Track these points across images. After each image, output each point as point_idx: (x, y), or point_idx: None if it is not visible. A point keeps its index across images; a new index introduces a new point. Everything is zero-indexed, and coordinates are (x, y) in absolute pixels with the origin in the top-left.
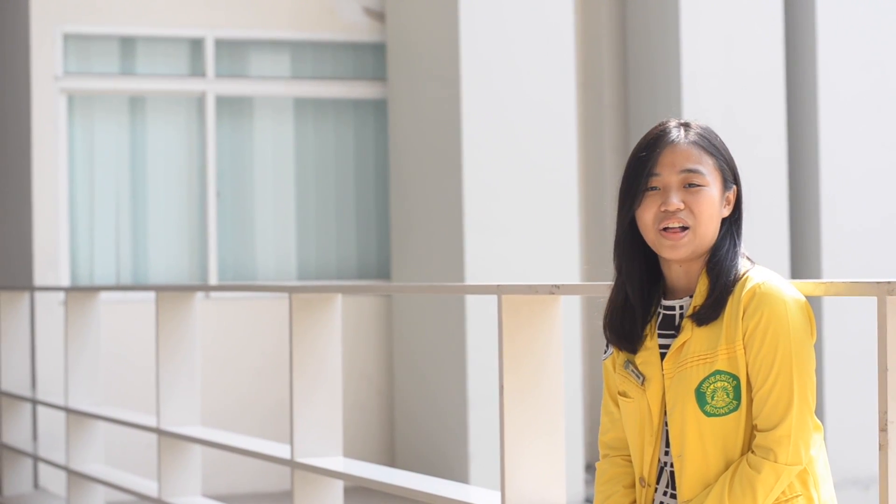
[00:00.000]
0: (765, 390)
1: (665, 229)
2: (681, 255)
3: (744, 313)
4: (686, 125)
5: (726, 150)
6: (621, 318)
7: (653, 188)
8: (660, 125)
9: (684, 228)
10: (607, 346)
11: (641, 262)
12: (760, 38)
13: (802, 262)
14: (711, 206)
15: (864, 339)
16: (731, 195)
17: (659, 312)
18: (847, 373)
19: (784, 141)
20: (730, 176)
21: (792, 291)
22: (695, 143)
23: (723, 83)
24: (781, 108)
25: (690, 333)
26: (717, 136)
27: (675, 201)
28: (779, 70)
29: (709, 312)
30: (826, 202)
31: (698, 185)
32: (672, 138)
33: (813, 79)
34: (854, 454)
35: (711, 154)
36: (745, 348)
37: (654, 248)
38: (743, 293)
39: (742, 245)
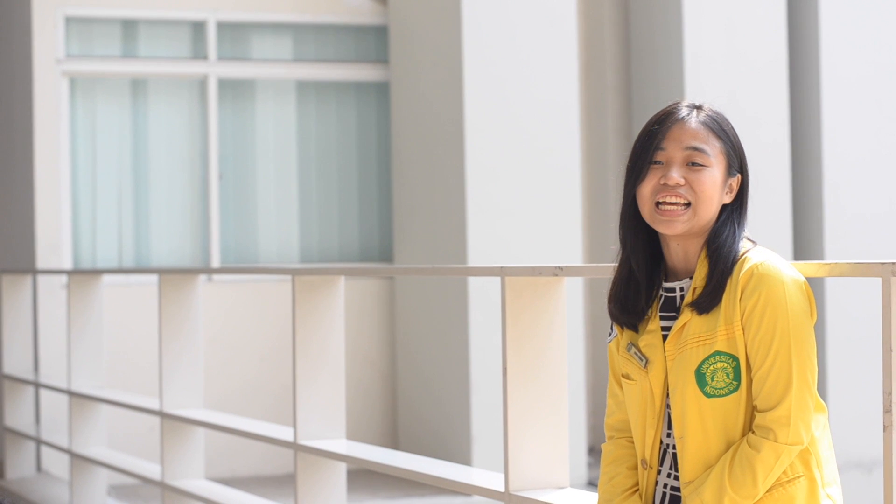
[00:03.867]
0: (763, 370)
1: (659, 204)
2: (677, 230)
3: (742, 294)
4: (699, 107)
5: (736, 137)
6: (625, 292)
7: (657, 162)
8: (673, 104)
9: (687, 205)
10: (611, 328)
11: (645, 239)
12: (763, 21)
13: (805, 245)
14: (712, 187)
15: (867, 322)
16: (735, 183)
17: (661, 295)
18: (850, 356)
19: (787, 124)
20: (735, 163)
21: (790, 271)
22: (704, 123)
23: (725, 66)
24: (784, 90)
25: (690, 315)
26: (728, 122)
27: (676, 176)
28: (781, 53)
29: (707, 301)
30: (829, 186)
31: (701, 165)
32: (682, 115)
33: (816, 62)
34: (857, 437)
35: (719, 137)
36: (743, 329)
37: (650, 223)
38: (741, 274)
39: (744, 233)
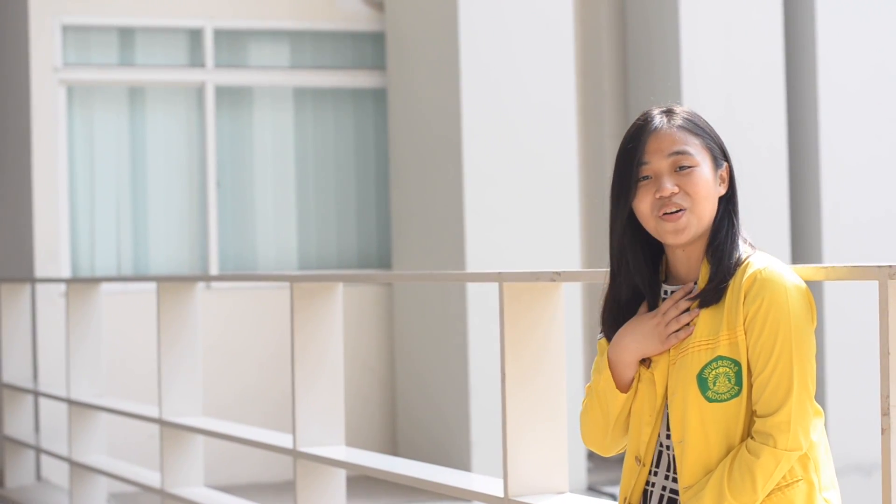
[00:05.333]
0: (764, 376)
1: (664, 214)
2: (683, 238)
3: (744, 298)
4: (669, 111)
5: (712, 129)
6: (626, 316)
7: (645, 178)
8: (643, 115)
9: (682, 210)
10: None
11: (646, 252)
12: (760, 27)
13: (803, 250)
14: (706, 186)
15: (865, 325)
16: (724, 173)
17: (663, 297)
18: (848, 360)
19: (784, 130)
20: (719, 154)
21: (793, 277)
22: (679, 126)
23: (722, 72)
24: (781, 96)
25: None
26: (701, 117)
27: (669, 186)
28: (778, 58)
29: (711, 295)
30: (826, 191)
31: (689, 167)
32: (655, 125)
33: (813, 67)
34: (856, 441)
35: (697, 135)
36: (745, 333)
37: (658, 237)
38: (744, 279)
39: (740, 225)
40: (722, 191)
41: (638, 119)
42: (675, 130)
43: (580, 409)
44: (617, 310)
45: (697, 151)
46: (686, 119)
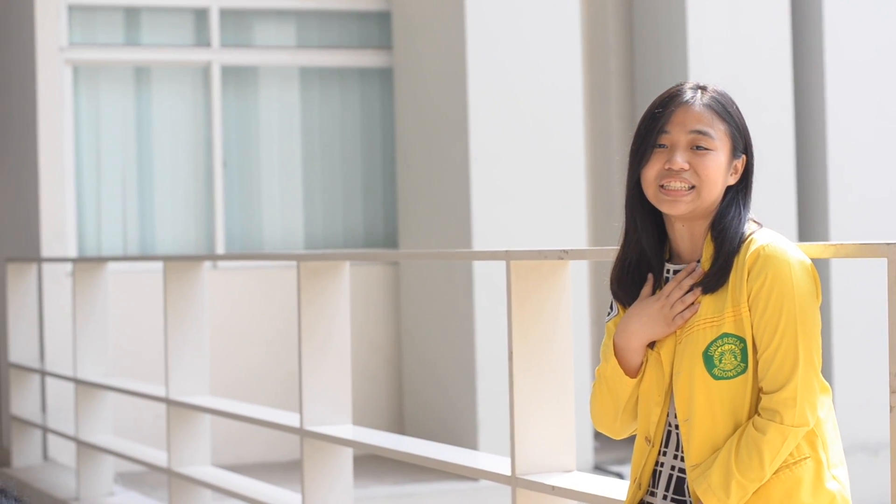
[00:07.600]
0: (770, 352)
1: (663, 186)
2: (680, 210)
3: (748, 275)
4: (703, 88)
5: (741, 118)
6: (637, 273)
7: (661, 145)
8: (677, 86)
9: (691, 188)
10: (611, 306)
11: (652, 219)
12: (766, 4)
13: (810, 228)
14: (717, 171)
15: (872, 304)
16: (740, 164)
17: (666, 277)
18: (855, 338)
19: (791, 108)
20: (740, 144)
21: (796, 253)
22: (709, 105)
23: (729, 50)
24: (788, 73)
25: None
26: (733, 102)
27: (680, 161)
28: (785, 36)
29: (714, 280)
30: (833, 168)
31: (706, 149)
32: (686, 98)
33: (819, 44)
34: (863, 420)
35: (724, 119)
36: (749, 310)
37: (654, 203)
38: (747, 255)
39: (749, 214)
40: (731, 181)
41: (671, 88)
42: (703, 109)
43: (591, 393)
44: (626, 267)
45: (719, 136)
46: (717, 100)
